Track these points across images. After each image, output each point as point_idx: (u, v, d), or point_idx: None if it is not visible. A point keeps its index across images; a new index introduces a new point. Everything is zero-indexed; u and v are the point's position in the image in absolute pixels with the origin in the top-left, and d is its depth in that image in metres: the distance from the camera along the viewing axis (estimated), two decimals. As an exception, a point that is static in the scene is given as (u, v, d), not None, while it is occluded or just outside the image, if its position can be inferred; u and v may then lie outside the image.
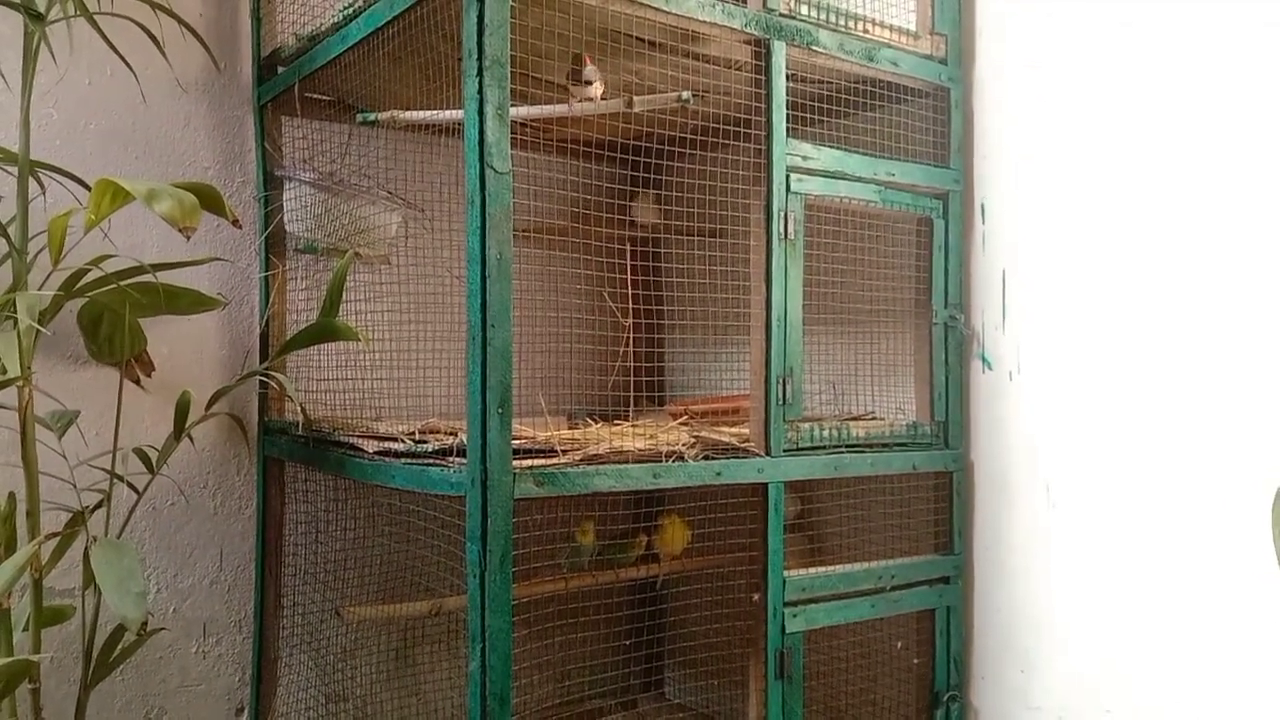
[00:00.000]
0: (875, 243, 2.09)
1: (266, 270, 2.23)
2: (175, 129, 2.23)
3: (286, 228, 2.15)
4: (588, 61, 1.77)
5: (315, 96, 2.18)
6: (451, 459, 1.60)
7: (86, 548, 1.67)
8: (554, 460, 1.61)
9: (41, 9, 1.74)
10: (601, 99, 1.83)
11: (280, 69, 2.18)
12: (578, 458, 1.63)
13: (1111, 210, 1.88)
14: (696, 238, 2.25)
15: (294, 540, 2.27)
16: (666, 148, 2.25)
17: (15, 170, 1.76)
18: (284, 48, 2.15)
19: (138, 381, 2.16)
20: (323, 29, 1.96)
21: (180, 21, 1.91)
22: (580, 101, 1.79)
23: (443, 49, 1.76)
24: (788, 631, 1.85)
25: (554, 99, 1.88)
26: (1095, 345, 1.91)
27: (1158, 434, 1.81)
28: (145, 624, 1.59)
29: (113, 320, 1.98)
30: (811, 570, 1.91)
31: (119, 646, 1.84)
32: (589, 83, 1.77)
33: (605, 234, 2.51)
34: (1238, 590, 1.70)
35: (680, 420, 1.97)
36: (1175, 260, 1.79)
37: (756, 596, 1.84)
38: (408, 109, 1.99)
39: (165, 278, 1.84)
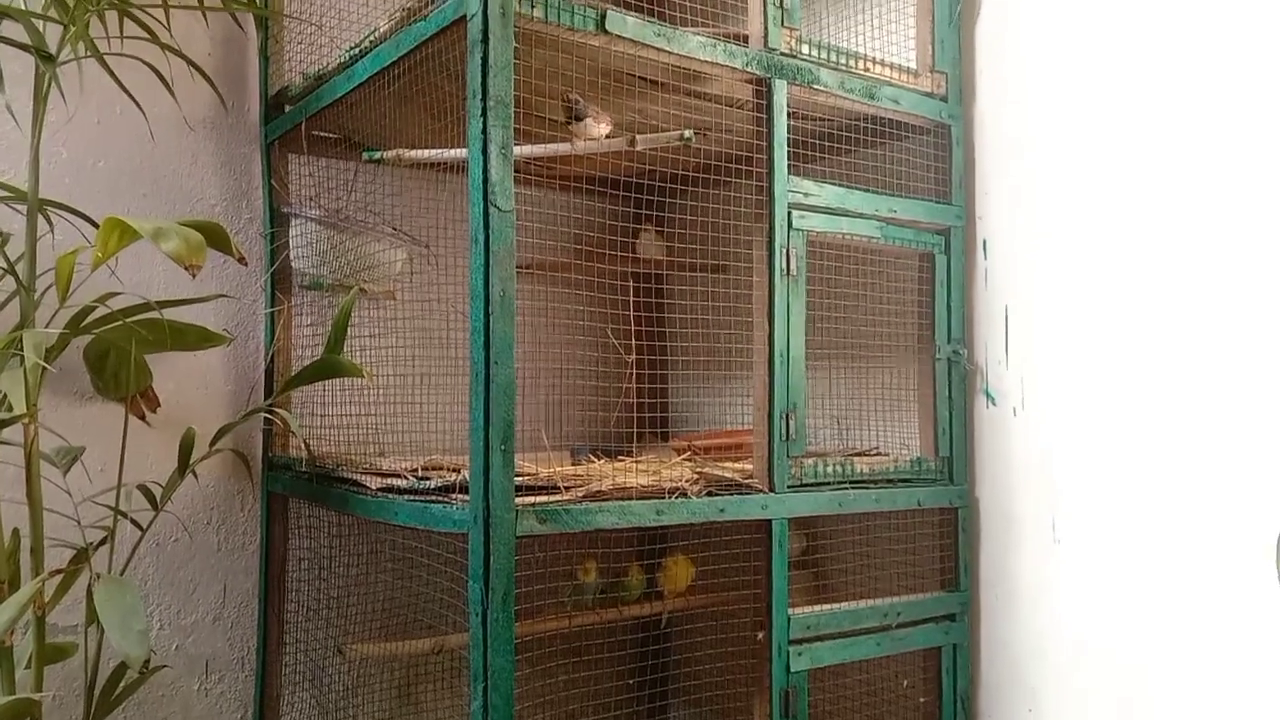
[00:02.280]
0: (878, 278, 2.10)
1: (272, 306, 2.24)
2: (182, 166, 2.25)
3: (292, 264, 2.16)
4: (577, 99, 1.79)
5: (322, 134, 2.20)
6: (454, 496, 1.60)
7: (90, 585, 1.66)
8: (556, 497, 1.61)
9: (53, 50, 1.77)
10: (608, 137, 1.85)
11: (287, 107, 2.21)
12: (580, 494, 1.63)
13: (1113, 245, 1.89)
14: (699, 273, 2.26)
15: (297, 576, 2.26)
16: (669, 185, 2.27)
17: (24, 209, 1.77)
18: (291, 86, 2.17)
19: (143, 417, 2.16)
20: (329, 68, 1.99)
21: (189, 62, 1.94)
22: (584, 140, 1.81)
23: (448, 88, 1.78)
24: (793, 670, 1.84)
25: (557, 137, 1.90)
26: (1099, 379, 1.90)
27: (1163, 468, 1.80)
28: (148, 662, 1.58)
29: (119, 356, 1.99)
30: (816, 608, 1.90)
31: (121, 684, 1.83)
32: (580, 119, 1.79)
33: (608, 269, 2.53)
34: (1245, 627, 1.69)
35: (684, 456, 1.97)
36: (1178, 294, 1.79)
37: (761, 635, 1.83)
38: (413, 147, 2.01)
39: (171, 314, 1.85)
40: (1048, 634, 1.99)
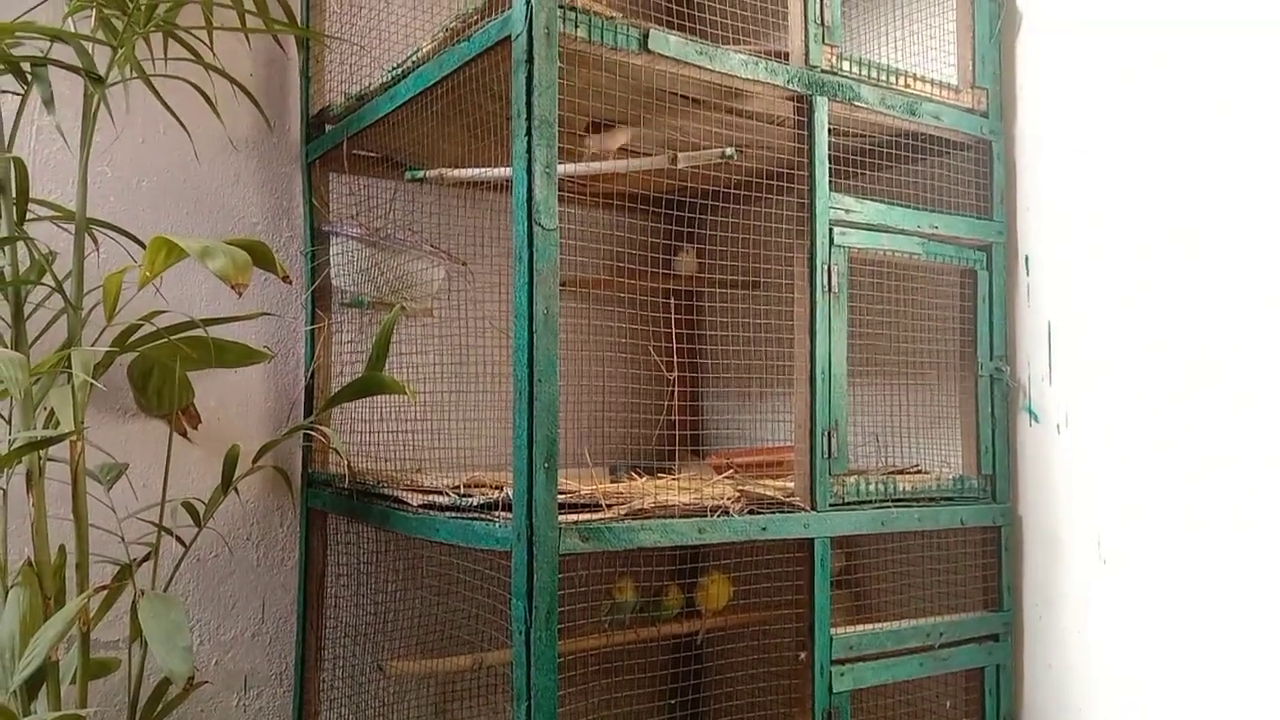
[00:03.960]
0: (919, 294, 2.09)
1: (312, 324, 2.25)
2: (225, 185, 2.28)
3: (333, 282, 2.18)
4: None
5: (363, 153, 2.22)
6: (497, 513, 1.60)
7: (134, 601, 1.68)
8: (599, 515, 1.60)
9: (101, 72, 1.79)
10: (621, 147, 1.85)
11: (328, 127, 2.23)
12: (623, 512, 1.63)
13: (1157, 261, 1.87)
14: (736, 289, 2.25)
15: (335, 593, 2.27)
16: (709, 201, 2.26)
17: (72, 227, 1.80)
18: (332, 106, 2.19)
19: (185, 434, 2.18)
20: (371, 88, 2.00)
21: (233, 81, 1.96)
22: (600, 149, 1.82)
23: (490, 108, 1.79)
24: (835, 691, 1.82)
25: (584, 153, 1.90)
26: (1144, 397, 1.88)
27: (1210, 487, 1.77)
28: (192, 678, 1.59)
29: (162, 373, 2.01)
30: (859, 628, 1.88)
31: (163, 700, 1.84)
32: (597, 130, 1.80)
33: (648, 286, 2.53)
34: (1301, 651, 1.65)
35: (724, 474, 1.96)
36: (1224, 310, 1.76)
37: (803, 655, 1.81)
38: (453, 165, 2.02)
39: (215, 331, 1.87)
40: (1092, 656, 1.96)
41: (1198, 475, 1.79)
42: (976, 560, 2.08)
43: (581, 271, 2.43)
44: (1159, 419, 1.85)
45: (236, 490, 2.06)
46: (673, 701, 2.45)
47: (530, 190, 1.52)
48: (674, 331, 2.60)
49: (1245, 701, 1.72)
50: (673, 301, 2.66)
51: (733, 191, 2.34)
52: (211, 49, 1.94)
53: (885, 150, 2.06)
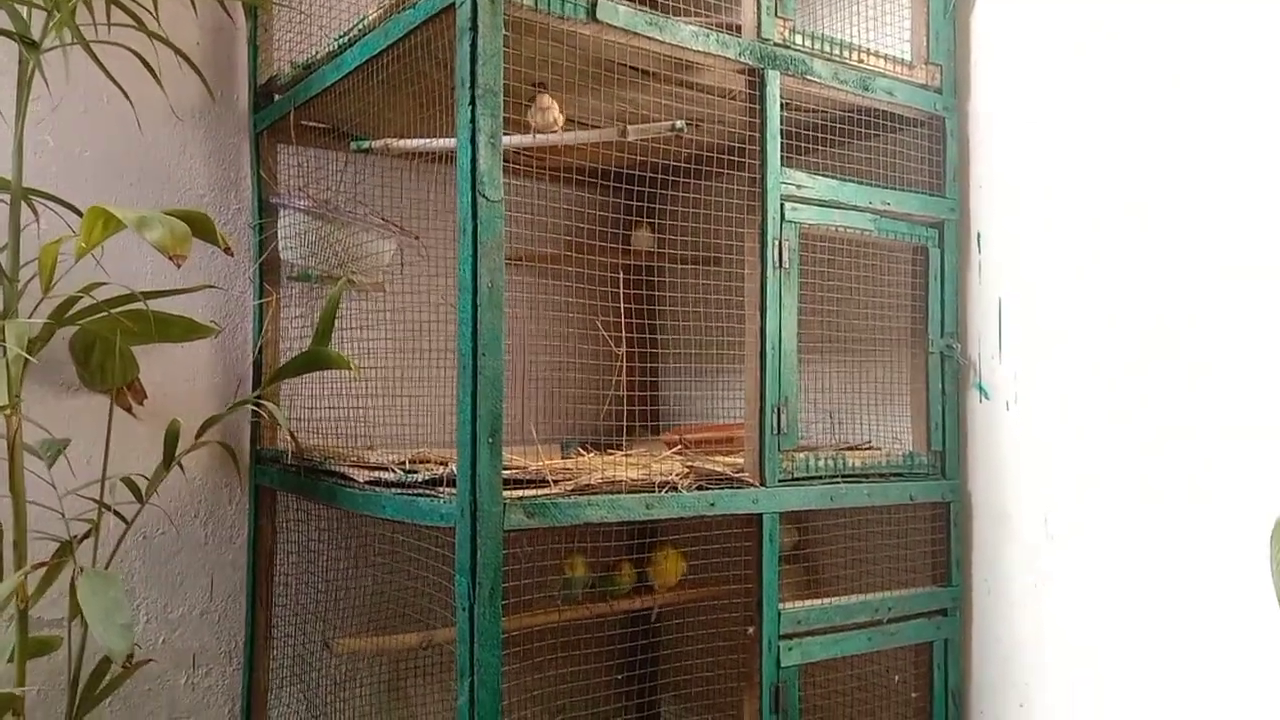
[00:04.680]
0: (871, 271, 2.09)
1: (261, 298, 2.22)
2: (171, 156, 2.23)
3: (281, 255, 2.14)
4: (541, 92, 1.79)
5: (311, 124, 2.18)
6: (441, 489, 1.59)
7: (73, 578, 1.65)
8: (545, 490, 1.59)
9: (36, 38, 1.75)
10: (560, 123, 1.84)
11: (276, 96, 2.19)
12: (569, 488, 1.62)
13: (1107, 238, 1.88)
14: (693, 265, 2.25)
15: (285, 570, 2.24)
16: (663, 176, 2.25)
17: (7, 197, 1.75)
18: (280, 75, 2.15)
19: (130, 409, 2.14)
20: (318, 57, 1.97)
21: (176, 51, 1.92)
22: (538, 126, 1.81)
23: (437, 77, 1.76)
24: (783, 665, 1.83)
25: (547, 128, 1.88)
26: (1092, 374, 1.89)
27: (1156, 463, 1.79)
28: (131, 656, 1.56)
29: (104, 348, 1.97)
30: (807, 603, 1.88)
31: (105, 679, 1.81)
32: (543, 109, 1.79)
33: (601, 261, 2.51)
34: (1238, 623, 1.68)
35: (674, 449, 1.96)
36: (1173, 287, 1.78)
37: (751, 630, 1.82)
38: (402, 136, 1.99)
39: (159, 305, 1.83)
40: (1040, 630, 1.98)
41: (1147, 450, 1.81)
42: (926, 536, 2.10)
43: (534, 245, 2.40)
44: (1107, 395, 1.87)
45: (181, 466, 2.03)
46: (628, 675, 2.46)
47: (474, 161, 1.49)
48: (629, 307, 2.59)
49: (1186, 672, 1.75)
50: (629, 277, 2.65)
51: (689, 166, 2.33)
52: (156, 15, 1.90)
53: (839, 126, 2.05)
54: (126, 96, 1.93)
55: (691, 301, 2.18)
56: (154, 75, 1.90)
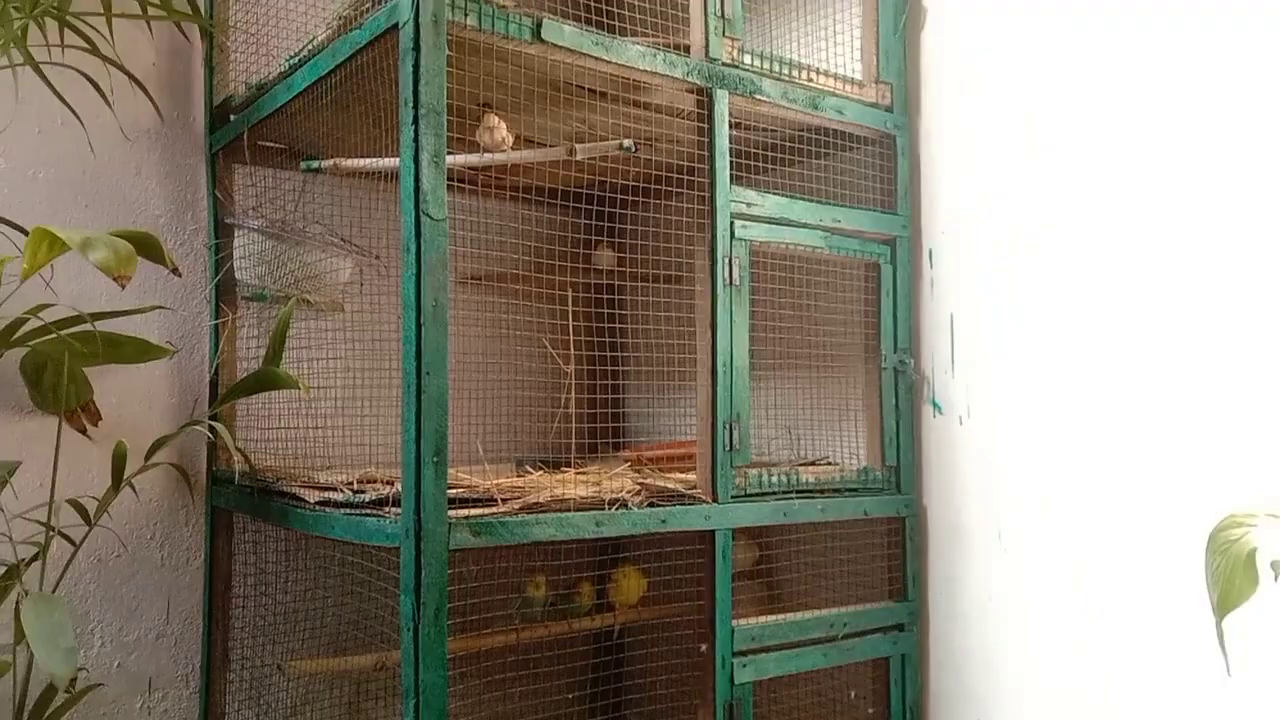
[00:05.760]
0: (824, 288, 2.10)
1: (216, 318, 2.21)
2: (126, 177, 2.23)
3: (237, 275, 2.14)
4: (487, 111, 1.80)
5: (266, 144, 2.18)
6: (387, 509, 1.58)
7: (17, 602, 1.63)
8: (492, 509, 1.59)
9: (-16, 59, 1.75)
10: (508, 142, 1.85)
11: (232, 117, 2.19)
12: (517, 506, 1.62)
13: (1056, 254, 1.89)
14: (652, 284, 2.25)
15: (242, 592, 2.23)
16: (621, 195, 2.26)
17: (-45, 219, 1.75)
18: (235, 96, 2.15)
19: (84, 431, 2.13)
20: (270, 78, 1.97)
21: (128, 74, 1.92)
22: (485, 145, 1.82)
23: (385, 96, 1.76)
24: (737, 682, 1.83)
25: (477, 145, 1.89)
26: (1043, 388, 1.91)
27: (1104, 476, 1.81)
28: (74, 680, 1.55)
29: (56, 369, 1.95)
30: (761, 619, 1.88)
31: (52, 704, 1.79)
32: (490, 128, 1.80)
33: (555, 280, 2.51)
34: (1185, 631, 1.69)
35: (629, 466, 1.96)
36: (1119, 303, 1.79)
37: (704, 647, 1.82)
38: (354, 156, 1.99)
39: (111, 326, 1.83)
40: (996, 644, 1.98)
41: (1092, 465, 1.82)
42: (881, 551, 2.10)
43: (496, 266, 2.41)
44: (1057, 409, 1.88)
45: (133, 488, 2.02)
46: (590, 693, 2.44)
47: (418, 180, 1.50)
48: (588, 326, 2.59)
49: (1138, 681, 1.75)
50: (590, 296, 2.65)
51: (645, 186, 2.34)
52: (110, 38, 1.90)
53: (789, 145, 2.07)
54: (78, 118, 1.93)
55: (651, 319, 2.19)
56: (105, 99, 1.90)
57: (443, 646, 1.48)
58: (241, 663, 2.22)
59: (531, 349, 2.42)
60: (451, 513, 1.52)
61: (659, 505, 1.77)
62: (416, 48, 1.50)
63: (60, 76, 1.84)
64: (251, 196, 2.22)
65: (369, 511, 1.63)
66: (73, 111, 1.89)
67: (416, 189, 1.50)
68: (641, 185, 2.38)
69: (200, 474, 2.25)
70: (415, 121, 1.50)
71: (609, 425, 2.48)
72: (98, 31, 1.89)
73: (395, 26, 1.54)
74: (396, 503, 1.55)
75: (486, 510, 1.58)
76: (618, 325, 2.71)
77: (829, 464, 2.12)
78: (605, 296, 2.73)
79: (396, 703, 2.36)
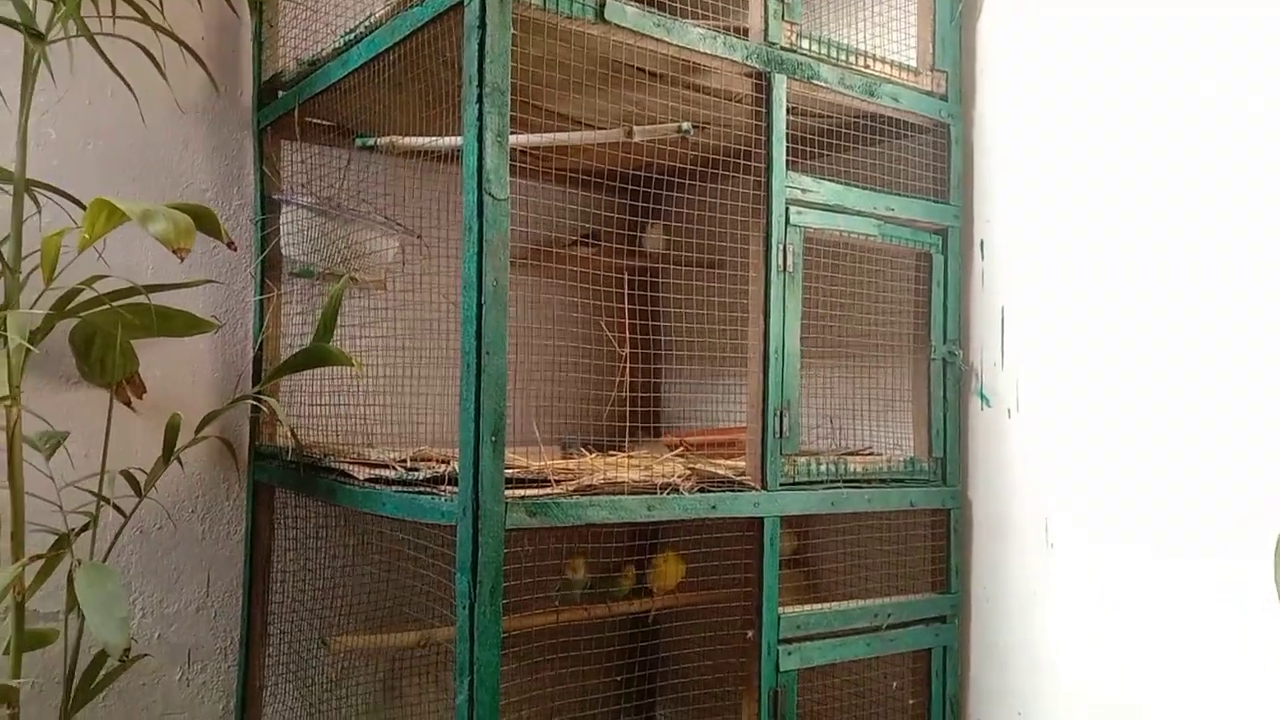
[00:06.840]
0: (874, 277, 2.09)
1: (262, 294, 2.22)
2: (174, 151, 2.23)
3: (283, 251, 2.14)
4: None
5: (315, 121, 2.18)
6: (443, 487, 1.58)
7: (70, 571, 1.64)
8: (547, 490, 1.59)
9: (42, 29, 1.74)
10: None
11: (281, 93, 2.18)
12: (571, 488, 1.61)
13: (1111, 247, 1.88)
14: (697, 268, 2.24)
15: (282, 567, 2.24)
16: (669, 178, 2.25)
17: (10, 189, 1.75)
18: (285, 72, 2.14)
19: (129, 403, 2.14)
20: (324, 54, 1.96)
21: (182, 44, 1.91)
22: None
23: (443, 75, 1.76)
24: (782, 670, 1.82)
25: (555, 127, 1.88)
26: (1095, 382, 1.89)
27: (1158, 473, 1.79)
28: (128, 650, 1.56)
29: (105, 341, 1.96)
30: (806, 607, 1.88)
31: (101, 673, 1.81)
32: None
33: (606, 263, 2.51)
34: (1240, 632, 1.67)
35: (676, 452, 1.95)
36: (1176, 296, 1.77)
37: (750, 633, 1.81)
38: (407, 134, 1.98)
39: (160, 299, 1.83)
40: (1038, 638, 1.97)
41: (1144, 461, 1.81)
42: (925, 542, 2.09)
43: (540, 245, 2.40)
44: (1110, 404, 1.87)
45: (180, 461, 2.02)
46: (627, 677, 2.45)
47: (481, 159, 1.49)
48: (634, 309, 2.58)
49: (1186, 681, 1.74)
50: (631, 278, 2.64)
51: (693, 169, 2.32)
52: (161, 9, 1.89)
53: (844, 131, 2.05)
54: (130, 89, 1.92)
55: (695, 304, 2.18)
56: (158, 68, 1.90)
57: (498, 625, 1.48)
58: (280, 637, 2.23)
59: (574, 330, 2.41)
60: (508, 492, 1.52)
61: (709, 491, 1.77)
62: (482, 25, 1.49)
63: (110, 48, 1.83)
64: (300, 173, 2.21)
65: (423, 489, 1.62)
66: (125, 83, 1.88)
67: (480, 168, 1.49)
68: (689, 168, 2.37)
69: (243, 448, 2.25)
70: (479, 100, 1.49)
71: (650, 410, 2.48)
72: (150, 2, 1.88)
73: (460, 4, 1.53)
74: (452, 481, 1.54)
75: (541, 491, 1.58)
76: (660, 308, 2.71)
77: (873, 454, 2.11)
78: (649, 279, 2.72)
79: (434, 679, 2.37)
